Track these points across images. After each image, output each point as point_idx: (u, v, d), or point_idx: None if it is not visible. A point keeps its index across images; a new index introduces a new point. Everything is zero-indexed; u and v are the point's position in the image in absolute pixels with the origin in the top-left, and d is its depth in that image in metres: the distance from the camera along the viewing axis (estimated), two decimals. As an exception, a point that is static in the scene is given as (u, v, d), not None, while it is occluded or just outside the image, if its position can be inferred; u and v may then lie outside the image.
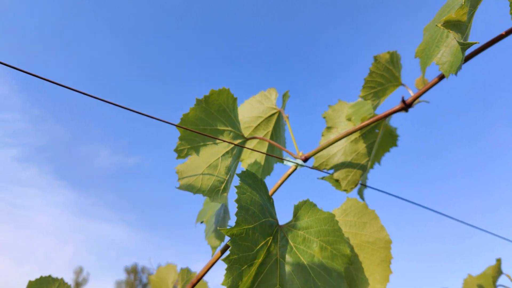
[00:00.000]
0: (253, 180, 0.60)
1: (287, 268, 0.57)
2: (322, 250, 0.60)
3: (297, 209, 0.64)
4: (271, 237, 0.59)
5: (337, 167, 0.79)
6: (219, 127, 0.73)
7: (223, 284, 0.49)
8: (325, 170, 0.80)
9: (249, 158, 0.93)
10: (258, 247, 0.54)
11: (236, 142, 0.76)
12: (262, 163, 0.91)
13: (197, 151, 0.71)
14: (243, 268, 0.51)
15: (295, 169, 0.74)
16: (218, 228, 0.52)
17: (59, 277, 0.76)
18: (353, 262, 0.69)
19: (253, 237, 0.53)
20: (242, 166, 0.96)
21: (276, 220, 0.62)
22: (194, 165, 0.70)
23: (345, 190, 0.78)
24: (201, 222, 0.85)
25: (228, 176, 0.74)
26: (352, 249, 0.70)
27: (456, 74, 0.51)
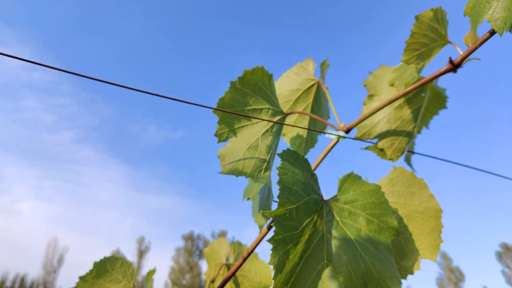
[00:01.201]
0: (295, 159, 0.60)
1: (334, 243, 0.57)
2: (369, 223, 0.59)
3: (341, 183, 0.64)
4: (316, 214, 0.59)
5: (381, 136, 0.76)
6: (256, 106, 0.73)
7: (270, 263, 0.50)
8: (368, 140, 0.78)
9: (291, 132, 0.93)
10: (303, 225, 0.55)
11: (275, 119, 0.76)
12: (305, 136, 0.90)
13: (236, 133, 0.72)
14: (288, 247, 0.52)
15: (337, 141, 0.72)
16: (261, 211, 0.53)
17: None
18: (402, 232, 0.68)
19: (297, 216, 0.54)
20: (285, 141, 0.96)
21: (321, 196, 0.62)
22: (235, 147, 0.71)
23: (391, 159, 0.76)
24: (248, 199, 0.87)
25: (269, 155, 0.74)
26: (400, 220, 0.69)
27: (510, 31, 0.47)
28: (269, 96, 0.74)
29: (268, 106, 0.74)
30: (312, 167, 0.72)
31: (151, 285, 0.87)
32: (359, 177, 0.65)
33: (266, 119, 0.73)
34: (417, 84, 0.65)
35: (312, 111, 0.89)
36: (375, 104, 0.77)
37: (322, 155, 0.72)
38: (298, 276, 0.54)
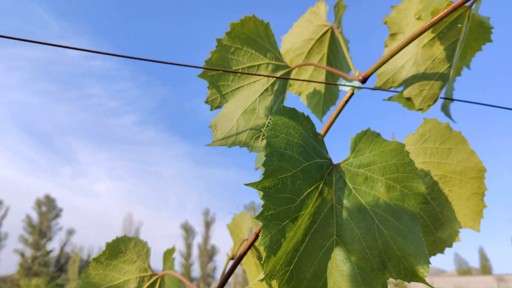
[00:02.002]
0: (291, 117, 0.50)
1: (345, 215, 0.48)
2: (389, 190, 0.48)
3: (355, 142, 0.53)
4: (322, 181, 0.49)
5: (407, 82, 0.62)
6: (252, 63, 0.63)
7: (259, 244, 0.42)
8: (392, 89, 0.65)
9: (307, 89, 0.82)
10: (303, 196, 0.45)
11: (278, 74, 0.65)
12: (323, 91, 0.79)
13: (230, 97, 0.63)
14: (284, 223, 0.43)
15: (352, 94, 0.61)
16: (243, 183, 0.45)
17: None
18: (436, 198, 0.56)
19: (293, 186, 0.45)
20: (302, 100, 0.85)
21: (329, 159, 0.52)
22: (228, 114, 0.62)
23: (420, 110, 0.62)
24: (257, 169, 0.79)
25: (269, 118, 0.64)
26: (434, 183, 0.56)
27: None
28: (268, 48, 0.64)
29: (266, 60, 0.64)
30: (324, 129, 0.61)
31: (172, 265, 0.84)
32: (378, 135, 0.53)
33: (264, 75, 0.63)
34: (447, 10, 0.50)
35: (329, 62, 0.77)
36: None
37: (334, 113, 0.60)
38: (302, 255, 0.46)
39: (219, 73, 0.60)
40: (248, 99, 0.63)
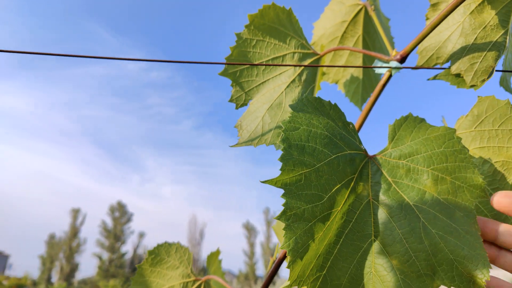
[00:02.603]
0: (315, 107, 0.45)
1: (384, 213, 0.42)
2: (438, 182, 0.41)
3: (394, 130, 0.46)
4: (355, 175, 0.43)
5: (455, 57, 0.54)
6: (276, 54, 0.59)
7: (282, 247, 0.38)
8: (438, 66, 0.57)
9: (344, 77, 0.76)
10: (331, 193, 0.40)
11: (306, 63, 0.61)
12: (361, 77, 0.73)
13: (255, 93, 0.59)
14: (311, 223, 0.39)
15: (390, 76, 0.54)
16: (260, 181, 0.40)
17: (176, 241, 0.77)
18: (497, 189, 0.48)
19: (318, 181, 0.40)
20: (339, 89, 0.79)
21: (363, 150, 0.46)
22: (253, 111, 0.59)
23: (473, 87, 0.54)
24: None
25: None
26: (494, 171, 0.48)
27: None
28: (292, 36, 0.59)
29: (292, 50, 0.59)
30: (360, 118, 0.55)
31: (218, 268, 0.82)
32: (421, 120, 0.46)
33: (290, 64, 0.59)
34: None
35: (365, 44, 0.70)
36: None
37: (371, 100, 0.54)
38: (336, 259, 0.41)
39: (242, 69, 0.57)
40: (273, 93, 0.59)
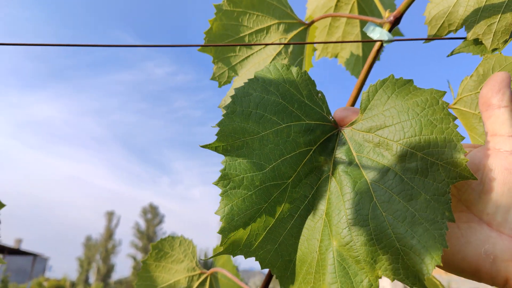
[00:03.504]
0: (279, 74, 0.41)
1: (337, 190, 0.38)
2: (406, 158, 0.35)
3: (367, 97, 0.39)
4: (314, 147, 0.40)
5: (468, 21, 0.46)
6: (260, 26, 0.55)
7: (216, 213, 0.37)
8: (451, 35, 0.51)
9: (343, 49, 0.71)
10: (276, 163, 0.38)
11: (292, 34, 0.56)
12: (361, 49, 0.68)
13: (239, 69, 0.56)
14: (251, 192, 0.37)
15: (381, 46, 0.48)
16: (199, 145, 0.37)
17: (179, 234, 0.77)
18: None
19: (262, 150, 0.38)
20: (340, 63, 0.74)
21: (331, 121, 0.41)
22: None
23: (495, 50, 0.47)
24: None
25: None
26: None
27: None
28: (276, 6, 0.55)
29: (276, 20, 0.55)
30: (353, 93, 0.50)
31: (227, 260, 0.81)
32: (405, 83, 0.38)
33: (276, 38, 0.56)
34: None
35: (362, 11, 0.65)
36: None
37: (363, 70, 0.48)
38: (289, 234, 0.39)
39: (225, 43, 0.55)
40: (259, 67, 0.56)
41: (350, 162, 0.38)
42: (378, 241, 0.34)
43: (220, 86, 0.56)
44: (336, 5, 0.67)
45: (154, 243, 0.73)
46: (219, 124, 0.37)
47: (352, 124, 0.41)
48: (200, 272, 0.74)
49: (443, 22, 0.48)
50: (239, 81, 0.57)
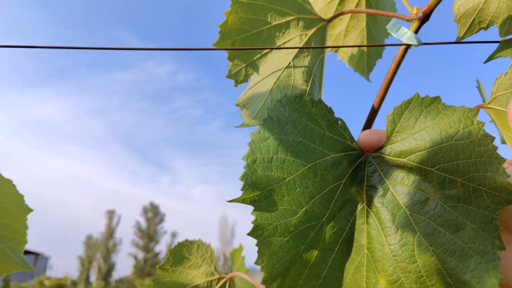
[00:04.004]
0: (293, 108, 0.39)
1: (376, 223, 0.36)
2: (445, 185, 0.33)
3: (393, 120, 0.37)
4: (343, 180, 0.38)
5: (500, 18, 0.43)
6: (278, 21, 0.51)
7: (256, 263, 0.36)
8: (482, 32, 0.48)
9: (344, 44, 0.68)
10: (308, 206, 0.36)
11: (312, 31, 0.53)
12: (364, 47, 0.65)
13: (258, 65, 0.52)
14: (286, 238, 0.36)
15: (407, 49, 0.44)
16: (226, 200, 0.36)
17: (230, 236, 0.74)
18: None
19: (290, 195, 0.36)
20: (340, 58, 0.71)
21: (356, 149, 0.39)
22: (258, 87, 0.53)
23: None
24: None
25: (309, 83, 0.52)
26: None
27: None
28: (295, 0, 0.52)
29: (295, 15, 0.52)
30: (376, 101, 0.46)
31: (242, 265, 0.79)
32: (432, 101, 0.36)
33: (295, 35, 0.53)
34: None
35: (368, 4, 0.62)
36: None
37: (385, 82, 0.44)
38: (332, 268, 0.37)
39: (241, 38, 0.51)
40: (279, 64, 0.52)
41: (385, 192, 0.36)
42: (429, 278, 0.32)
43: (236, 85, 0.53)
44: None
45: (171, 248, 0.72)
46: (242, 178, 0.36)
47: (380, 149, 0.38)
48: (219, 276, 0.72)
49: (473, 19, 0.45)
50: (257, 79, 0.53)
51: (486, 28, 0.45)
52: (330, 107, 0.39)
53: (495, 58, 0.46)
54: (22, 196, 0.59)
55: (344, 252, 0.37)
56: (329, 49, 0.69)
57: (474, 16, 0.45)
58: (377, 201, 0.36)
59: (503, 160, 0.31)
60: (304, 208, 0.36)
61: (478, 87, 0.55)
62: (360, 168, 0.38)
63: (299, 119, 0.38)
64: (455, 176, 0.33)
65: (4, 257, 0.57)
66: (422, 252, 0.32)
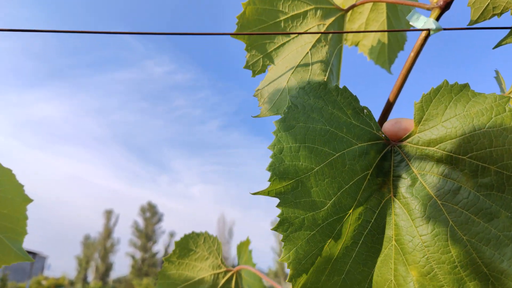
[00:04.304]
0: (317, 96, 0.37)
1: (405, 213, 0.35)
2: (478, 174, 0.32)
3: (421, 107, 0.36)
4: (370, 171, 0.37)
5: None
6: (296, 11, 0.51)
7: (282, 260, 0.34)
8: (495, 19, 0.47)
9: (364, 36, 0.67)
10: (336, 197, 0.35)
11: (330, 21, 0.52)
12: (386, 37, 0.64)
13: (275, 57, 0.52)
14: (313, 232, 0.34)
15: (428, 35, 0.43)
16: (250, 193, 0.35)
17: (203, 231, 0.74)
18: None
19: (319, 186, 0.35)
20: (360, 52, 0.70)
21: (382, 138, 0.38)
22: (276, 76, 0.52)
23: None
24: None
25: (327, 73, 0.52)
26: None
27: None
28: None
29: (313, 5, 0.51)
30: (393, 93, 0.46)
31: (249, 258, 0.78)
32: (462, 88, 0.35)
33: (313, 25, 0.52)
34: None
35: None
36: None
37: (404, 70, 0.43)
38: (355, 262, 0.36)
39: (259, 29, 0.51)
40: (297, 55, 0.52)
41: (413, 182, 0.35)
42: (464, 268, 0.32)
43: (254, 75, 0.52)
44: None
45: (178, 240, 0.70)
46: (269, 168, 0.34)
47: (407, 138, 0.37)
48: (226, 269, 0.71)
49: (488, 4, 0.45)
50: (275, 70, 0.53)
51: (500, 14, 0.45)
52: (355, 96, 0.38)
53: (504, 44, 0.46)
54: (22, 186, 0.57)
55: (369, 245, 0.36)
56: (349, 43, 0.69)
57: (489, 1, 0.44)
58: (405, 191, 0.35)
59: None
60: (333, 200, 0.35)
61: (497, 78, 0.54)
62: (386, 158, 0.37)
63: (325, 107, 0.37)
64: (489, 164, 0.32)
65: (4, 248, 0.55)
66: (456, 242, 0.32)
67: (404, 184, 0.36)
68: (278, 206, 0.34)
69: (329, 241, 0.35)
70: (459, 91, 0.35)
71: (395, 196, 0.36)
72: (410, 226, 0.34)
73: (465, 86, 0.35)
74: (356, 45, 0.70)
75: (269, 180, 0.34)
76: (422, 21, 0.44)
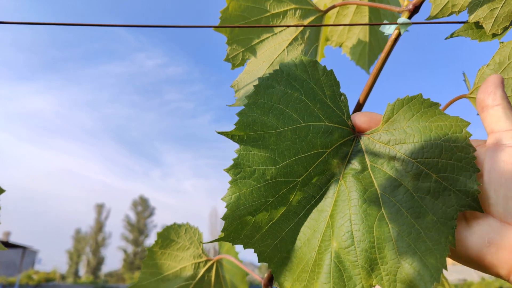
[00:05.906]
0: (304, 69, 0.40)
1: (346, 194, 0.38)
2: (420, 178, 0.35)
3: (392, 110, 0.39)
4: (329, 149, 0.39)
5: (472, 4, 0.47)
6: (277, 10, 0.54)
7: (223, 199, 0.37)
8: (454, 16, 0.51)
9: (348, 38, 0.70)
10: (290, 160, 0.38)
11: (308, 20, 0.56)
12: (367, 39, 0.67)
13: (255, 51, 0.56)
14: (260, 185, 0.37)
15: (399, 35, 0.47)
16: (216, 131, 0.38)
17: (185, 222, 0.77)
18: None
19: (278, 146, 0.38)
20: (344, 53, 0.73)
21: (349, 126, 0.41)
22: (253, 70, 0.56)
23: (494, 35, 0.47)
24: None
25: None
26: None
27: None
28: None
29: (293, 5, 0.55)
30: (367, 86, 0.48)
31: (231, 246, 0.79)
32: (431, 105, 0.38)
33: (292, 24, 0.55)
34: None
35: None
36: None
37: (378, 63, 0.47)
38: (292, 231, 0.39)
39: (241, 25, 0.54)
40: (274, 51, 0.56)
41: (363, 170, 0.38)
42: (379, 250, 0.34)
43: (233, 68, 0.55)
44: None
45: (160, 231, 0.74)
46: (239, 114, 0.37)
47: (371, 133, 0.40)
48: (206, 259, 0.74)
49: (447, 2, 0.49)
50: (253, 64, 0.56)
51: (457, 12, 0.49)
52: (339, 81, 0.41)
53: (456, 36, 0.50)
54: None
55: (308, 218, 0.39)
56: (334, 44, 0.73)
57: (447, 0, 0.48)
58: (352, 176, 0.38)
59: (478, 170, 0.34)
60: (286, 162, 0.37)
61: (464, 80, 0.58)
62: (346, 145, 0.40)
63: (307, 81, 0.40)
64: (432, 171, 0.35)
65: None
66: (381, 226, 0.35)
67: (354, 170, 0.39)
68: (236, 151, 0.37)
69: (271, 199, 0.38)
70: (429, 106, 0.38)
71: (343, 178, 0.39)
72: (346, 205, 0.37)
73: (436, 104, 0.38)
74: (340, 46, 0.73)
75: (235, 125, 0.37)
76: (393, 28, 0.47)
